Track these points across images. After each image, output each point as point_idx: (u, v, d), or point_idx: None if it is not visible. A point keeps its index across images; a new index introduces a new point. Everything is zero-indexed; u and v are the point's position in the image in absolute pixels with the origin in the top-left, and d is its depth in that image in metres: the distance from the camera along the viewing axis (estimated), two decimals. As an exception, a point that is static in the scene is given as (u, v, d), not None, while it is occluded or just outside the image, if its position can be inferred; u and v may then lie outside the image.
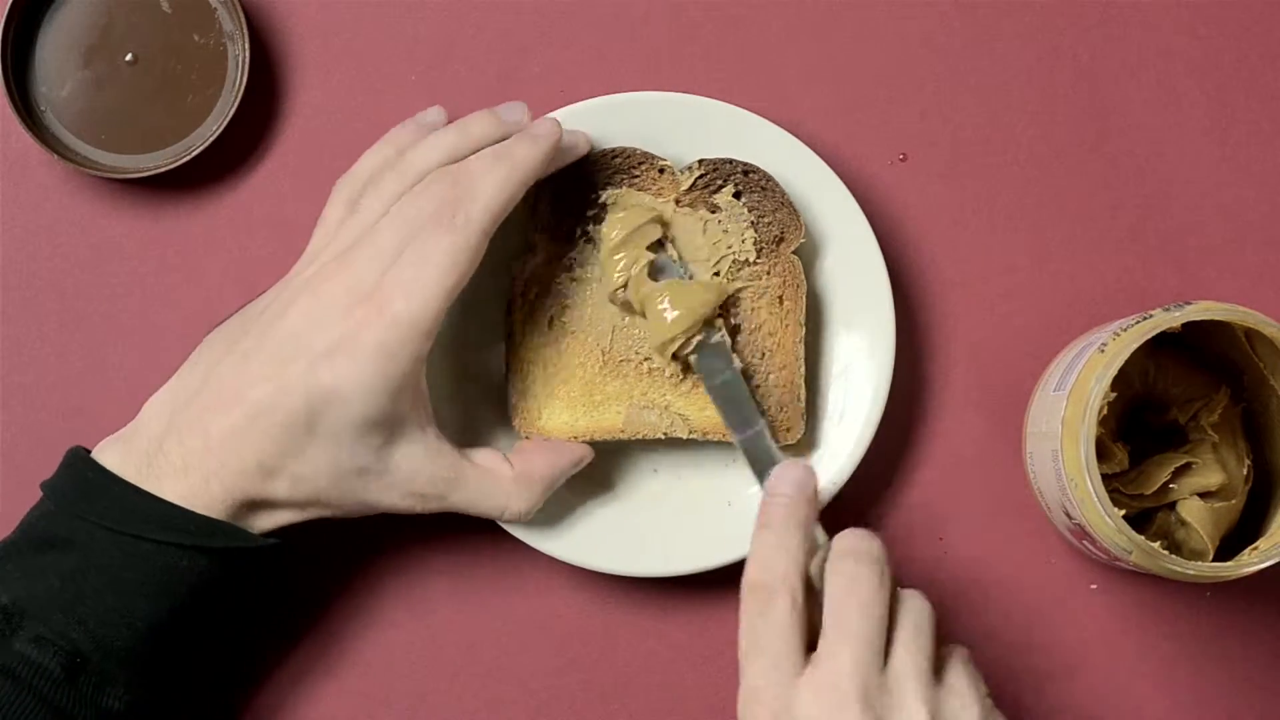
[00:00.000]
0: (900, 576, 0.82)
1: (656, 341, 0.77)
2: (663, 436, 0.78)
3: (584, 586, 0.82)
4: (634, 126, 0.79)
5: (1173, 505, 0.77)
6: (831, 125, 0.83)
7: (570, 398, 0.79)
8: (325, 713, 0.81)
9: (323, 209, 0.76)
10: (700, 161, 0.78)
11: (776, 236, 0.79)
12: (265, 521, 0.72)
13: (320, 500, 0.72)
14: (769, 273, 0.79)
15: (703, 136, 0.79)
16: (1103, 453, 0.75)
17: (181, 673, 0.74)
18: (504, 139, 0.75)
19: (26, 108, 0.80)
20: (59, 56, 0.81)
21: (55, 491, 0.71)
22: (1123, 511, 0.71)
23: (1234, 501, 0.76)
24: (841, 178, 0.79)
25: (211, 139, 0.80)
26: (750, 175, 0.78)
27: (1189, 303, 0.73)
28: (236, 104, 0.80)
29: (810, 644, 0.67)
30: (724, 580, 0.81)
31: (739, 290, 0.79)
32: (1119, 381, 0.72)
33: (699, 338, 0.77)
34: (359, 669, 0.81)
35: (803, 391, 0.78)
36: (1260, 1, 0.84)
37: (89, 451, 0.72)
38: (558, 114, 0.79)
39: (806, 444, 0.80)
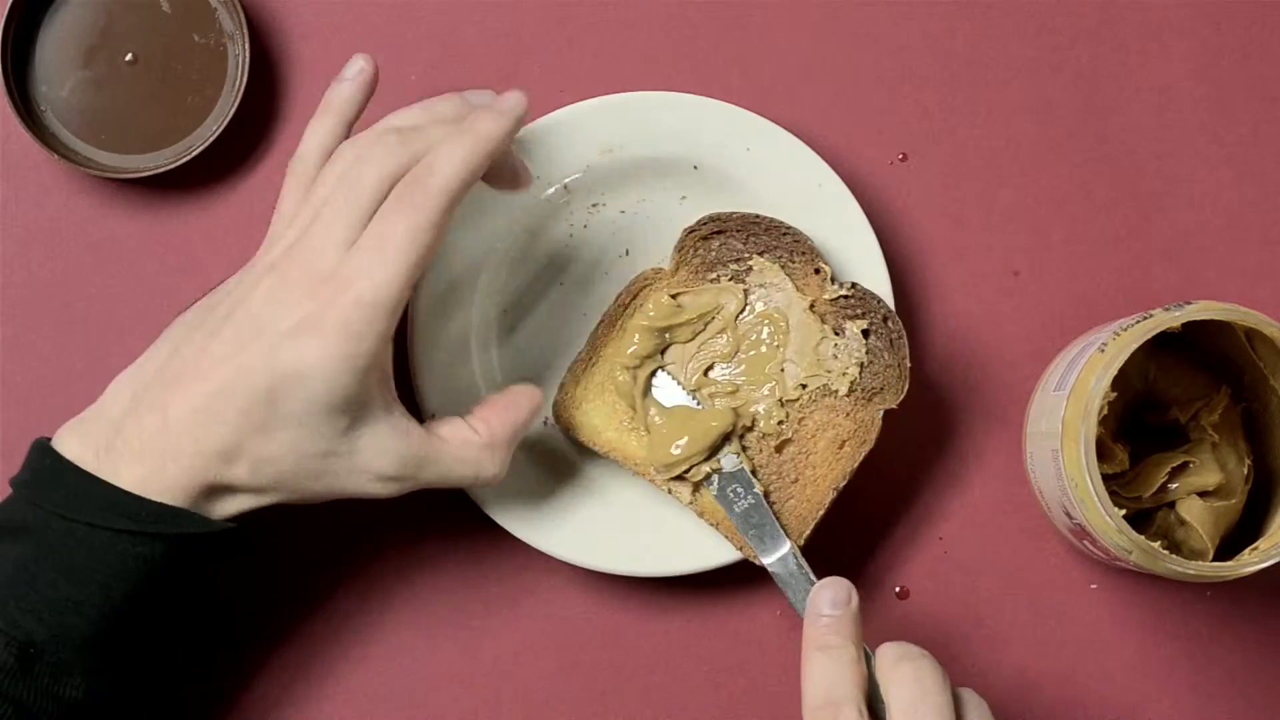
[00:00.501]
0: (900, 576, 0.82)
1: (657, 462, 0.77)
2: (668, 493, 0.78)
3: (584, 586, 0.82)
4: (634, 126, 0.79)
5: (1172, 505, 0.77)
6: (831, 125, 0.83)
7: (611, 409, 0.78)
8: (325, 713, 0.81)
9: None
10: (855, 285, 0.77)
11: (875, 389, 0.77)
12: (225, 507, 0.71)
13: (282, 485, 0.70)
14: (847, 415, 0.78)
15: (702, 136, 0.79)
16: (1103, 453, 0.75)
17: (144, 660, 0.73)
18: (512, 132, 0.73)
19: (26, 108, 0.80)
20: (59, 56, 0.81)
21: (17, 481, 0.71)
22: (1123, 512, 0.71)
23: (1234, 501, 0.76)
24: (841, 178, 0.79)
25: (211, 139, 0.80)
26: (888, 322, 0.77)
27: (1189, 303, 0.73)
28: (236, 104, 0.80)
29: None
30: (724, 580, 0.81)
31: (812, 410, 0.78)
32: (1119, 381, 0.72)
33: (712, 467, 0.77)
34: (359, 669, 0.81)
35: (806, 534, 0.77)
36: (1260, 1, 0.84)
37: (49, 440, 0.71)
38: (558, 114, 0.79)
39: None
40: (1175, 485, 0.77)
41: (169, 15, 0.81)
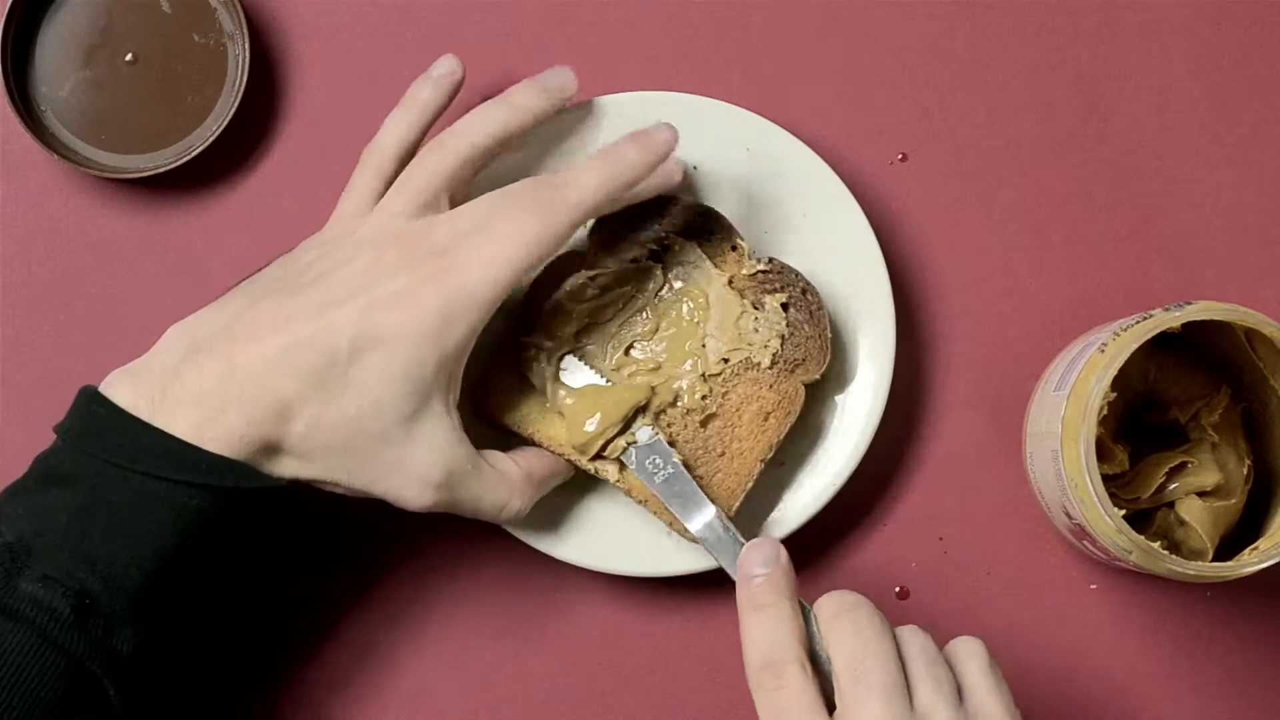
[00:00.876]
0: (900, 576, 0.82)
1: (574, 443, 0.76)
2: (594, 473, 0.77)
3: (584, 586, 0.82)
4: (633, 126, 0.79)
5: (1172, 505, 0.77)
6: (831, 125, 0.83)
7: (534, 395, 0.78)
8: (325, 713, 0.81)
9: (316, 223, 0.75)
10: (772, 260, 0.78)
11: (796, 360, 0.78)
12: (272, 468, 0.69)
13: (329, 458, 0.69)
14: (770, 387, 0.78)
15: (702, 136, 0.79)
16: (1103, 453, 0.75)
17: (191, 612, 0.72)
18: (551, 109, 0.75)
19: (26, 108, 0.80)
20: (59, 56, 0.81)
21: (63, 429, 0.69)
22: (1122, 512, 0.71)
23: (1233, 501, 0.76)
24: (841, 178, 0.79)
25: (211, 139, 0.80)
26: (807, 295, 0.78)
27: (1189, 303, 0.73)
28: (236, 104, 0.80)
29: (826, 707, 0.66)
30: (724, 580, 0.81)
31: (735, 384, 0.78)
32: (1119, 381, 0.72)
33: (628, 440, 0.76)
34: (358, 668, 0.81)
35: (735, 506, 0.77)
36: (1260, 1, 0.84)
37: (97, 388, 0.69)
38: (575, 110, 0.79)
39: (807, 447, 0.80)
40: (1174, 485, 0.77)
41: (169, 15, 0.81)
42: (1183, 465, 0.77)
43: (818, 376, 0.78)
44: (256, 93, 0.82)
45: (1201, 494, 0.76)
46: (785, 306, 0.78)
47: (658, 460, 0.76)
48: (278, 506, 0.71)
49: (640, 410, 0.77)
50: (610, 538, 0.79)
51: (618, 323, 0.78)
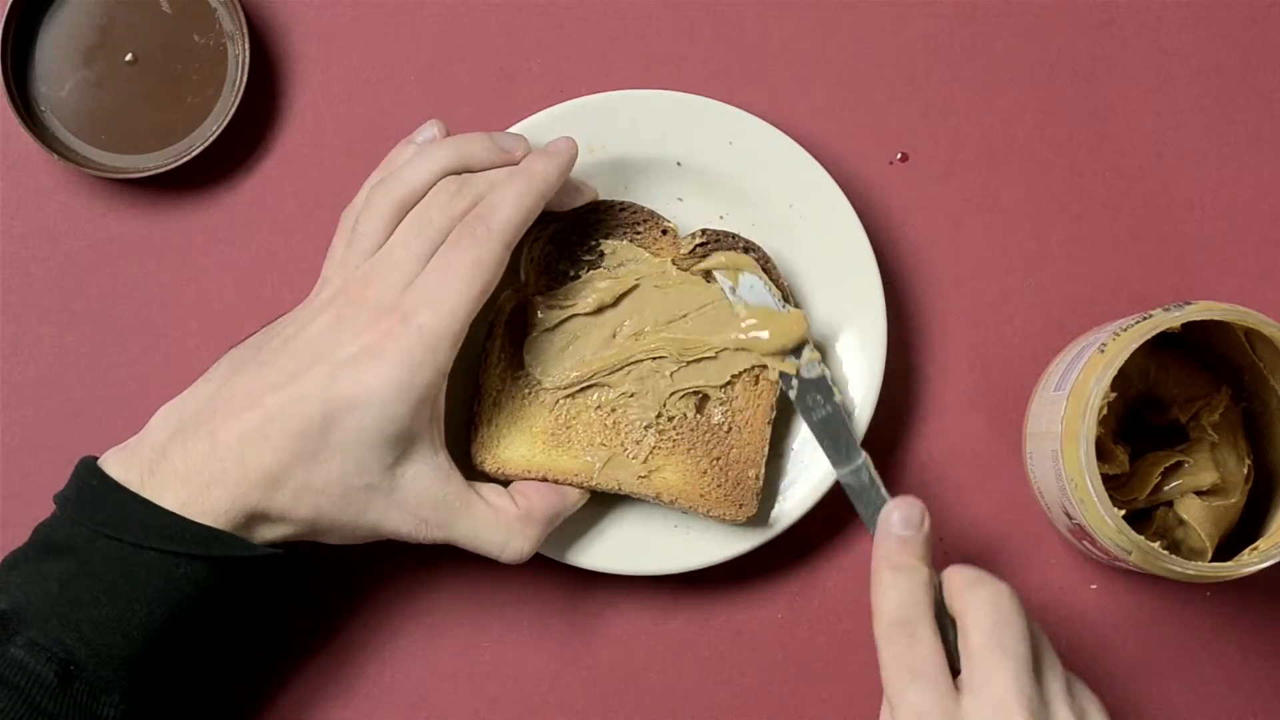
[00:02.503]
0: (900, 576, 0.82)
1: (773, 348, 0.77)
2: (616, 489, 0.77)
3: (584, 586, 0.82)
4: (630, 124, 0.79)
5: (1171, 504, 0.77)
6: (831, 125, 0.83)
7: (532, 433, 0.78)
8: (325, 713, 0.81)
9: (321, 233, 0.76)
10: (704, 230, 0.78)
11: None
12: (263, 535, 0.71)
13: (321, 517, 0.71)
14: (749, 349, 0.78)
15: (697, 136, 0.79)
16: (1103, 453, 0.75)
17: (179, 681, 0.73)
18: (496, 164, 0.75)
19: (26, 108, 0.80)
20: (59, 56, 0.81)
21: (62, 499, 0.71)
22: (1122, 512, 0.71)
23: (1233, 501, 0.76)
24: (840, 177, 0.80)
25: (211, 139, 0.80)
26: (750, 252, 0.78)
27: (1189, 303, 0.73)
28: (236, 104, 0.80)
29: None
30: (724, 580, 0.81)
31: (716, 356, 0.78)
32: (1119, 381, 0.72)
33: (793, 369, 0.77)
34: (358, 669, 0.81)
35: (760, 472, 0.78)
36: (1260, 1, 0.84)
37: (96, 459, 0.72)
38: (555, 110, 0.79)
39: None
40: (1173, 484, 0.77)
41: (169, 15, 0.81)
42: (1179, 464, 0.77)
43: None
44: (256, 93, 0.82)
45: (1200, 493, 0.76)
46: None
47: (818, 397, 0.77)
48: (267, 574, 0.72)
49: (803, 344, 0.77)
50: (611, 537, 0.79)
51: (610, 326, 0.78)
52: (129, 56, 0.81)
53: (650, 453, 0.78)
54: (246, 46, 0.80)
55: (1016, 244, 0.83)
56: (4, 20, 0.79)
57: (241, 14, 0.80)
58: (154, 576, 0.69)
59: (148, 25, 0.81)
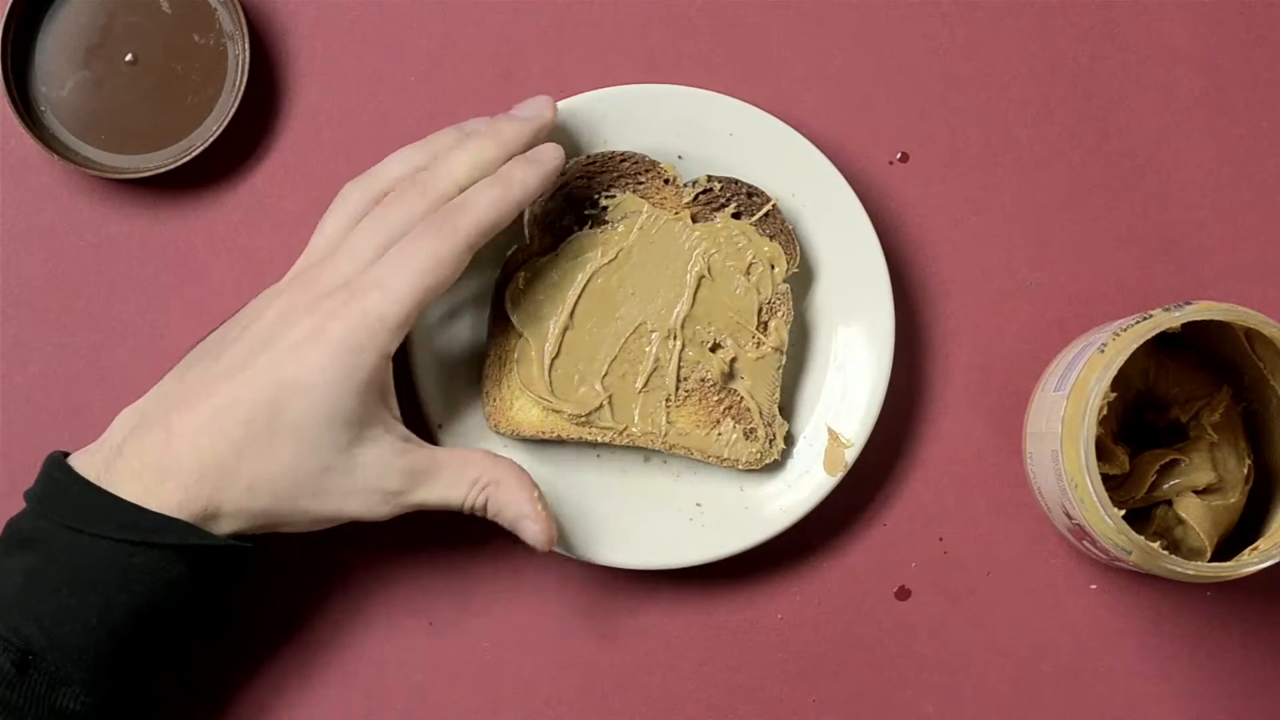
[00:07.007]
0: (900, 576, 0.82)
1: None
2: (629, 444, 0.78)
3: (584, 585, 0.82)
4: (636, 119, 0.79)
5: (1170, 502, 0.77)
6: (831, 124, 0.83)
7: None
8: (324, 713, 0.81)
9: (316, 223, 0.76)
10: (708, 177, 0.79)
11: (771, 259, 0.79)
12: (222, 527, 0.71)
13: (278, 504, 0.70)
14: (758, 293, 0.79)
15: (697, 128, 0.79)
16: (1103, 453, 0.75)
17: (146, 674, 0.73)
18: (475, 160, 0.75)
19: (26, 108, 0.80)
20: (59, 56, 0.81)
21: (30, 494, 0.72)
22: (1121, 511, 0.71)
23: (1233, 500, 0.76)
24: (841, 176, 0.80)
25: (211, 139, 0.80)
26: (753, 198, 0.79)
27: (1189, 303, 0.73)
28: (236, 104, 0.80)
29: None
30: (724, 580, 0.81)
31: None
32: (1119, 381, 0.72)
33: None
34: (358, 669, 0.81)
35: (777, 415, 0.79)
36: (1260, 1, 0.84)
37: (64, 455, 0.72)
38: (560, 105, 0.79)
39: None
40: (1171, 483, 0.77)
41: (169, 15, 0.81)
42: (1175, 462, 0.77)
43: (796, 269, 0.79)
44: (256, 93, 0.82)
45: (1199, 492, 0.76)
46: (737, 215, 0.79)
47: None
48: (233, 566, 0.72)
49: None
50: (611, 531, 0.79)
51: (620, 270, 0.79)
52: (129, 56, 0.81)
53: (662, 405, 0.78)
54: (246, 46, 0.80)
55: (1016, 244, 0.83)
56: (4, 20, 0.79)
57: (241, 14, 0.80)
58: (111, 566, 0.69)
59: (148, 25, 0.81)
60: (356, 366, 0.69)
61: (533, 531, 0.73)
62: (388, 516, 0.73)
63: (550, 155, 0.75)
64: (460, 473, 0.73)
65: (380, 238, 0.72)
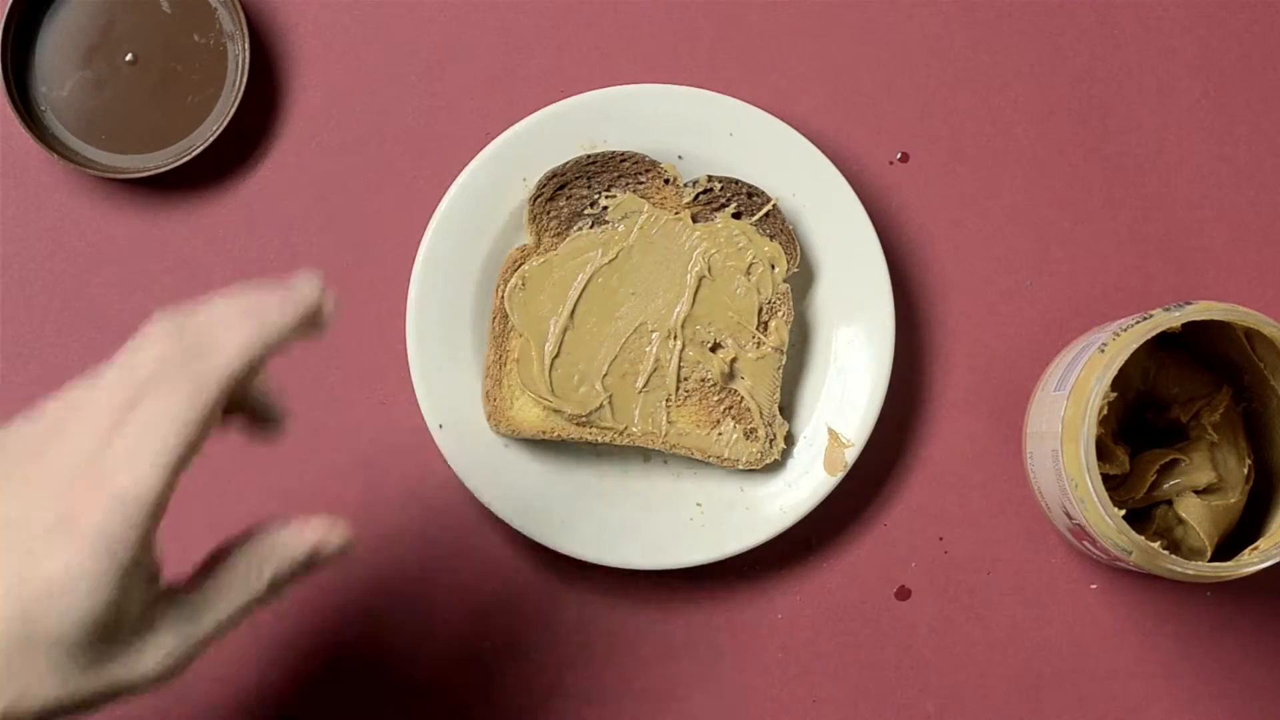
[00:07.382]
0: (900, 576, 0.82)
1: None
2: (630, 444, 0.79)
3: (584, 585, 0.82)
4: (636, 120, 0.79)
5: (1170, 502, 0.77)
6: (831, 124, 0.83)
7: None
8: (324, 713, 0.81)
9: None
10: (708, 177, 0.79)
11: (771, 260, 0.79)
12: None
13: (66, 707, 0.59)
14: (758, 293, 0.79)
15: (697, 128, 0.80)
16: (1103, 453, 0.75)
17: None
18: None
19: (26, 108, 0.80)
20: (59, 56, 0.81)
21: None
22: (1122, 511, 0.71)
23: (1233, 500, 0.76)
24: (841, 176, 0.80)
25: (211, 139, 0.80)
26: (753, 198, 0.79)
27: (1189, 303, 0.73)
28: (236, 104, 0.80)
29: None
30: (724, 580, 0.81)
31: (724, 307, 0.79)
32: (1119, 381, 0.72)
33: None
34: (358, 669, 0.81)
35: (778, 415, 0.79)
36: (1260, 1, 0.84)
37: None
38: (555, 109, 0.79)
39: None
40: (1171, 483, 0.77)
41: (169, 15, 0.81)
42: (1175, 462, 0.77)
43: (796, 269, 0.79)
44: (256, 93, 0.82)
45: (1199, 492, 0.76)
46: (738, 215, 0.79)
47: None
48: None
49: None
50: (612, 531, 0.79)
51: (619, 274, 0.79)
52: (129, 56, 0.81)
53: (662, 405, 0.78)
54: (246, 46, 0.80)
55: (1016, 244, 0.83)
56: (4, 20, 0.79)
57: (241, 14, 0.80)
58: None
59: (148, 25, 0.81)
60: (117, 560, 0.59)
61: (334, 542, 0.65)
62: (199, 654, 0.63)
63: (308, 292, 0.63)
64: (231, 575, 0.63)
65: (125, 392, 0.61)
